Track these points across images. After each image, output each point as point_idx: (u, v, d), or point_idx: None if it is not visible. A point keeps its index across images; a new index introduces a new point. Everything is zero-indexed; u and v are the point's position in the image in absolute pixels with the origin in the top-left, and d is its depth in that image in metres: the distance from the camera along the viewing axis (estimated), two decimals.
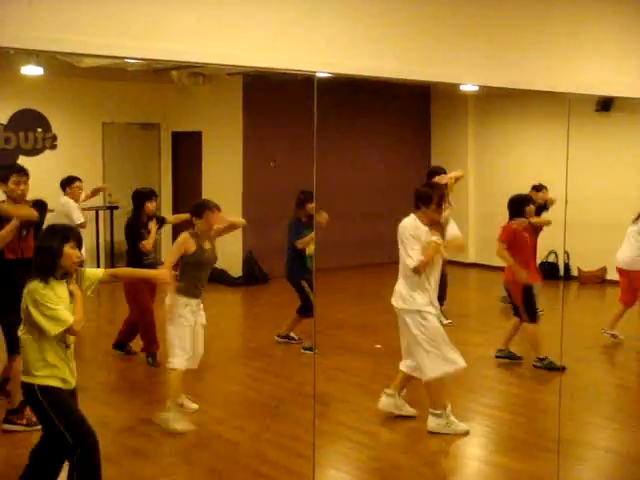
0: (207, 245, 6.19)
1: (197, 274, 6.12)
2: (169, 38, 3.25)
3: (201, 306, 6.22)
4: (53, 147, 11.64)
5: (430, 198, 5.80)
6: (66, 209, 8.49)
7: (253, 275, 11.90)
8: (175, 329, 6.02)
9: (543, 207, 9.48)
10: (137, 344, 7.85)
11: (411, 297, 5.88)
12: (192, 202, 12.00)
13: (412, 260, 5.76)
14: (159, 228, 7.74)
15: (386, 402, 6.20)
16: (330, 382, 7.01)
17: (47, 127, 11.53)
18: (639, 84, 5.12)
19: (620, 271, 8.67)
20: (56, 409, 4.20)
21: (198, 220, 6.15)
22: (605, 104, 10.31)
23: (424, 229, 5.82)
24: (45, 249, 4.17)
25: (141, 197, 7.70)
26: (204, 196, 12.54)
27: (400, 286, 5.97)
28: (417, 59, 4.05)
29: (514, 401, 6.96)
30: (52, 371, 4.19)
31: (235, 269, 11.95)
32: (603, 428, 6.23)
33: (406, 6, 4.04)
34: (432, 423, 5.94)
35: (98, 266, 9.29)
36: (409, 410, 6.23)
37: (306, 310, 8.24)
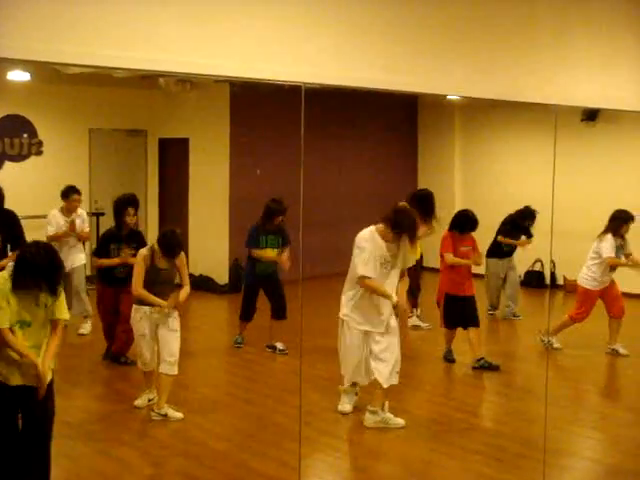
0: (163, 265, 6.30)
1: (151, 288, 6.26)
2: (156, 48, 3.23)
3: (170, 312, 6.28)
4: (39, 153, 11.58)
5: (401, 231, 5.93)
6: (48, 220, 8.74)
7: (239, 282, 11.86)
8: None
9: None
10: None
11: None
12: (179, 209, 12.03)
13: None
14: (133, 255, 7.23)
15: (371, 419, 6.19)
16: (316, 391, 6.99)
17: (33, 133, 11.47)
18: (624, 96, 5.16)
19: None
20: None
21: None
22: (591, 114, 10.39)
23: (380, 243, 5.97)
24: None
25: (119, 204, 7.67)
26: (191, 203, 12.54)
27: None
28: (405, 70, 4.06)
29: (498, 410, 6.96)
30: None
31: (221, 276, 11.92)
32: (588, 438, 6.25)
33: (394, 18, 4.04)
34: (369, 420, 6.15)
35: (85, 272, 9.24)
36: (397, 422, 6.22)
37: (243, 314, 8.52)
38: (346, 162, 13.07)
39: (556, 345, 8.51)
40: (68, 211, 8.78)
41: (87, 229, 9.02)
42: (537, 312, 10.37)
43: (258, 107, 11.60)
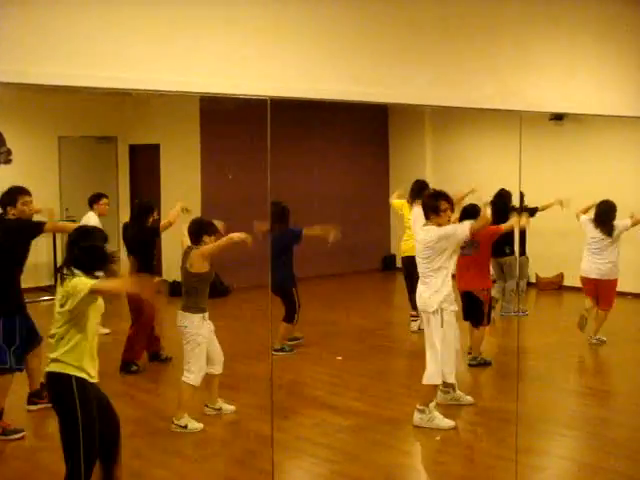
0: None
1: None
2: (122, 66, 3.25)
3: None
4: (8, 162, 11.49)
5: (437, 208, 6.06)
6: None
7: (213, 288, 11.83)
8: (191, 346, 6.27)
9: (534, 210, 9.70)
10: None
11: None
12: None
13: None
14: None
15: (417, 417, 6.27)
16: (291, 395, 7.02)
17: (1, 141, 11.38)
18: (586, 101, 5.24)
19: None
20: None
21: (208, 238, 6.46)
22: (559, 113, 10.48)
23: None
24: None
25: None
26: (162, 209, 12.49)
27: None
28: (370, 81, 4.10)
29: (471, 410, 7.01)
30: None
31: None
32: (561, 436, 6.32)
33: (358, 29, 4.08)
34: (416, 418, 6.23)
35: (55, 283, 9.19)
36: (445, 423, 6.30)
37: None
38: (319, 166, 13.10)
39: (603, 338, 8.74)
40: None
41: None
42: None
43: (228, 113, 11.58)
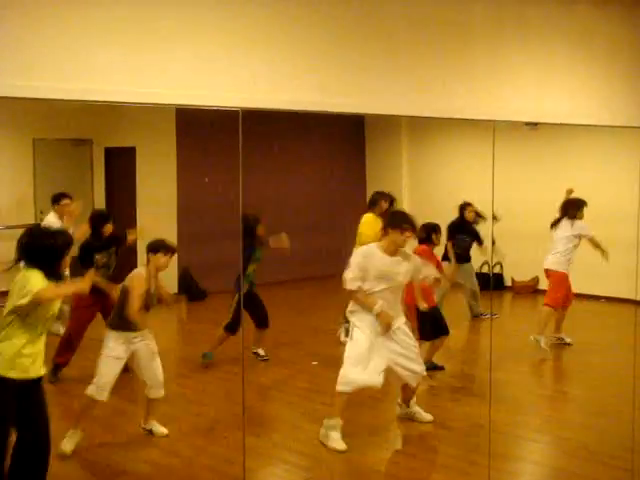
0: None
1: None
2: (91, 79, 3.24)
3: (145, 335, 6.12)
4: None
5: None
6: None
7: (190, 291, 11.82)
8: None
9: (472, 223, 9.81)
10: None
11: None
12: (126, 218, 11.92)
13: None
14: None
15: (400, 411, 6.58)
16: (265, 401, 7.02)
17: None
18: (559, 110, 5.28)
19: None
20: None
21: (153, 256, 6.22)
22: None
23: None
24: None
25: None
26: (139, 212, 12.44)
27: None
28: (341, 92, 4.10)
29: (443, 415, 7.03)
30: None
31: (171, 286, 11.80)
32: (533, 441, 6.36)
33: (328, 39, 4.08)
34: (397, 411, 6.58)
35: None
36: (424, 417, 6.54)
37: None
38: (295, 173, 13.12)
39: (543, 344, 8.69)
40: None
41: None
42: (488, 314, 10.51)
43: (204, 115, 11.56)
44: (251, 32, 3.81)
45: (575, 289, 9.14)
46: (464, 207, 9.94)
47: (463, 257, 10.05)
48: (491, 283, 11.32)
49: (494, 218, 9.04)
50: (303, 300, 11.80)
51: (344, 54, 4.16)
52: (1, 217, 9.37)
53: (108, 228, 7.79)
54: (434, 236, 7.77)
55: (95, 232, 7.76)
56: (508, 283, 12.09)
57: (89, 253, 7.47)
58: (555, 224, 9.02)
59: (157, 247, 6.25)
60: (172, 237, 11.84)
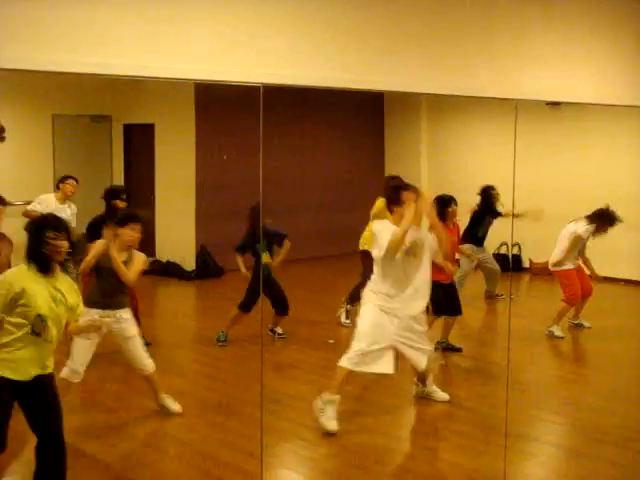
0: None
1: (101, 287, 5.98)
2: (114, 53, 3.22)
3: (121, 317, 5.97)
4: (2, 139, 11.38)
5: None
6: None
7: (207, 269, 11.85)
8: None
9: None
10: None
11: None
12: (145, 195, 11.91)
13: None
14: None
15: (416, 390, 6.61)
16: (283, 379, 7.04)
17: None
18: (582, 89, 5.22)
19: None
20: None
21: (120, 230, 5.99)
22: None
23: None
24: None
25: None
26: (157, 189, 12.46)
27: None
28: (365, 69, 4.07)
29: (460, 394, 7.03)
30: None
31: (188, 262, 11.89)
32: (550, 422, 6.36)
33: (353, 16, 4.04)
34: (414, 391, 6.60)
35: None
36: (440, 396, 6.56)
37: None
38: (313, 151, 13.08)
39: (557, 333, 8.63)
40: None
41: None
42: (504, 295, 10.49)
43: (223, 93, 11.54)
44: (274, 8, 3.78)
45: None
46: (487, 191, 9.84)
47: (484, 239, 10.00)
48: (510, 264, 11.28)
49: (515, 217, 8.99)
50: (321, 278, 11.80)
51: (367, 31, 4.12)
52: (20, 193, 9.39)
53: (118, 203, 7.73)
54: (448, 210, 7.63)
55: (108, 207, 7.76)
56: (526, 265, 12.03)
57: (99, 227, 7.30)
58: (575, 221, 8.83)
59: (124, 220, 6.05)
60: (190, 214, 11.90)
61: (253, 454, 5.36)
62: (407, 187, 5.96)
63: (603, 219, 8.57)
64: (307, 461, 5.64)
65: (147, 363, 6.09)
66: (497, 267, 10.20)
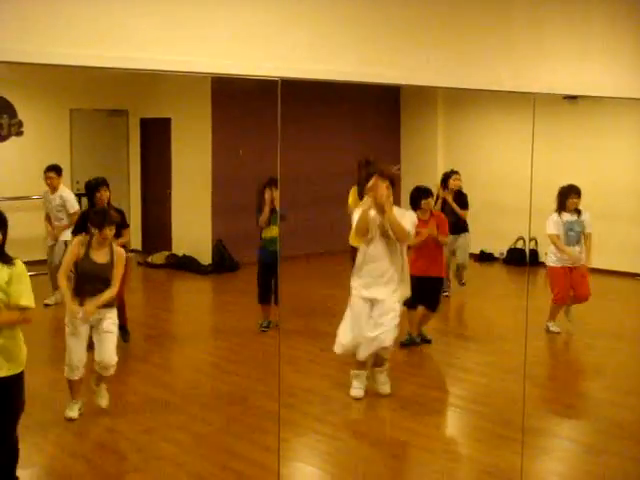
0: (99, 258, 5.84)
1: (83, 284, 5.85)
2: (131, 47, 3.23)
3: (104, 313, 5.88)
4: (19, 133, 11.51)
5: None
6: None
7: (223, 263, 11.90)
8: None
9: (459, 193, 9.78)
10: None
11: None
12: (161, 189, 11.89)
13: None
14: None
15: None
16: (299, 373, 7.04)
17: (13, 113, 11.39)
18: (600, 83, 5.19)
19: None
20: None
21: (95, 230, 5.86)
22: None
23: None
24: None
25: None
26: (174, 183, 12.51)
27: None
28: (382, 62, 4.06)
29: (477, 390, 7.02)
30: None
31: (204, 257, 11.94)
32: (567, 418, 6.34)
33: (370, 10, 4.03)
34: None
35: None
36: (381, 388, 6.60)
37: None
38: (329, 144, 13.06)
39: (552, 329, 8.54)
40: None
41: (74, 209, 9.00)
42: (520, 290, 10.43)
43: (239, 87, 11.56)
44: (292, 2, 3.78)
45: (610, 266, 8.96)
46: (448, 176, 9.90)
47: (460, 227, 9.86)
48: (527, 258, 11.26)
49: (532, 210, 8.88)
50: (339, 273, 11.79)
51: (384, 25, 4.11)
52: (38, 187, 9.45)
53: (101, 195, 7.49)
54: (422, 202, 7.72)
55: (90, 200, 7.57)
56: (543, 259, 11.97)
57: (84, 222, 7.12)
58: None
59: (95, 222, 5.88)
60: (206, 208, 11.93)
61: (270, 448, 5.37)
62: (373, 173, 6.17)
63: (559, 197, 8.47)
64: (324, 455, 5.65)
65: (114, 364, 5.95)
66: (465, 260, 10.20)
